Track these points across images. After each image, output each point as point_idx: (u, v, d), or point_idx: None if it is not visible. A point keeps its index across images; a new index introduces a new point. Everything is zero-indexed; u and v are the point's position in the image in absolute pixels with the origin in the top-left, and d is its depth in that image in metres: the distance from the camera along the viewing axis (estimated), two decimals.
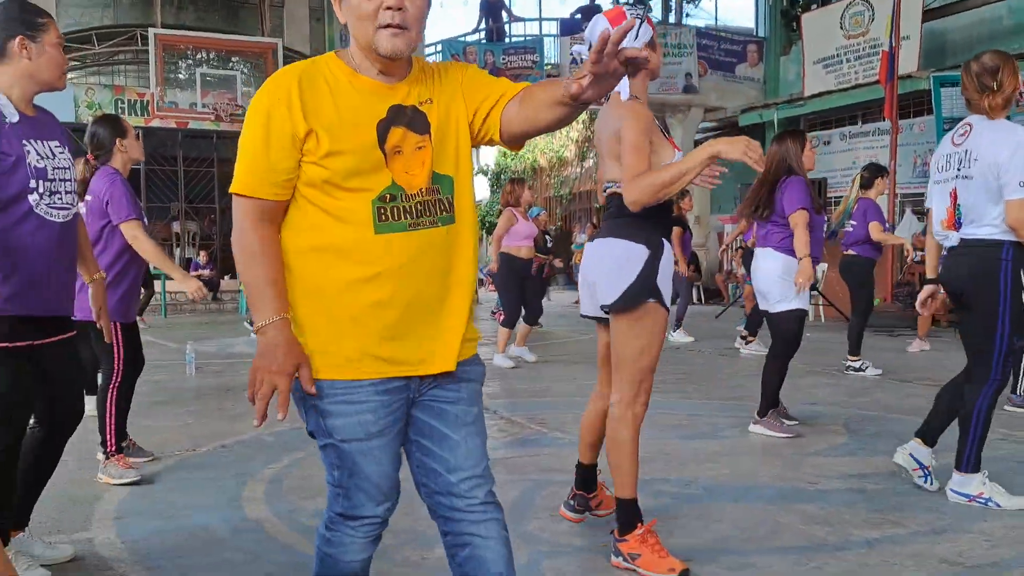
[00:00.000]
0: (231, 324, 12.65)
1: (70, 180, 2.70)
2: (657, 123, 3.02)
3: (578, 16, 18.42)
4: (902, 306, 10.82)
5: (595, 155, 23.87)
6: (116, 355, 4.06)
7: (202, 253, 15.81)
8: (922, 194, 14.46)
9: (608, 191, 3.05)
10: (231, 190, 1.86)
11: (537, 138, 26.95)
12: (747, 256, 9.00)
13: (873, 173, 7.44)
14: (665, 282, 2.93)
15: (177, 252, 16.61)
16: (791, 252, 4.96)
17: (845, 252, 7.45)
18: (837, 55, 14.72)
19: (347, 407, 1.85)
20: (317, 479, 4.02)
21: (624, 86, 2.94)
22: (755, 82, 18.15)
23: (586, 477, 3.38)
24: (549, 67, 17.31)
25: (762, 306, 5.17)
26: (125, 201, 3.96)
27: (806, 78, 15.40)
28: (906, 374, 7.27)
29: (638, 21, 2.91)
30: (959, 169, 3.55)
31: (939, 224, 3.68)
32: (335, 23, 16.64)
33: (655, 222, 2.97)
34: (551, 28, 18.42)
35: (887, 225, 7.64)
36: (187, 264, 16.15)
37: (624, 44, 2.71)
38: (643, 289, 2.89)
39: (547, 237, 11.46)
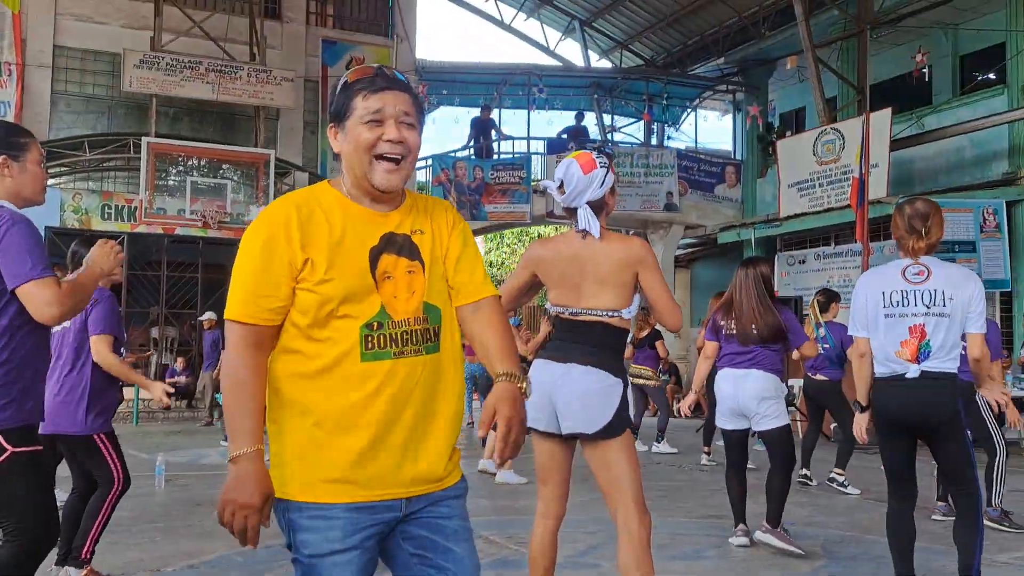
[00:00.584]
0: (204, 434, 12.45)
1: None
2: None
3: (564, 136, 19.08)
4: None
5: None
6: (112, 464, 4.06)
7: (179, 359, 15.69)
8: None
9: (594, 318, 3.20)
10: (226, 316, 1.92)
11: (523, 249, 27.37)
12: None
13: (829, 297, 7.71)
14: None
15: (154, 358, 16.50)
16: (776, 371, 5.15)
17: (815, 376, 7.60)
18: (810, 179, 15.22)
19: (318, 522, 1.90)
20: None
21: (594, 225, 3.20)
22: (733, 202, 18.69)
23: None
24: (535, 182, 17.79)
25: (743, 426, 5.27)
26: (102, 313, 4.02)
27: (781, 200, 15.86)
28: (880, 493, 7.27)
29: (604, 169, 3.21)
30: (929, 307, 3.69)
31: (891, 355, 3.76)
32: (329, 139, 17.08)
33: (621, 357, 3.31)
34: (538, 146, 19.05)
35: None
36: (163, 371, 16.02)
37: (591, 191, 3.12)
38: (624, 418, 3.16)
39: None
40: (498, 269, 28.48)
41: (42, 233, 2.82)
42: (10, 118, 15.19)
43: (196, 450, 10.46)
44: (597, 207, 3.23)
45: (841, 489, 7.32)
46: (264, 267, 1.91)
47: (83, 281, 2.81)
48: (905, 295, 3.76)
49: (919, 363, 3.70)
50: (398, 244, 2.00)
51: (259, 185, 15.54)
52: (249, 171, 15.71)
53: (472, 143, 18.02)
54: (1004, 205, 12.77)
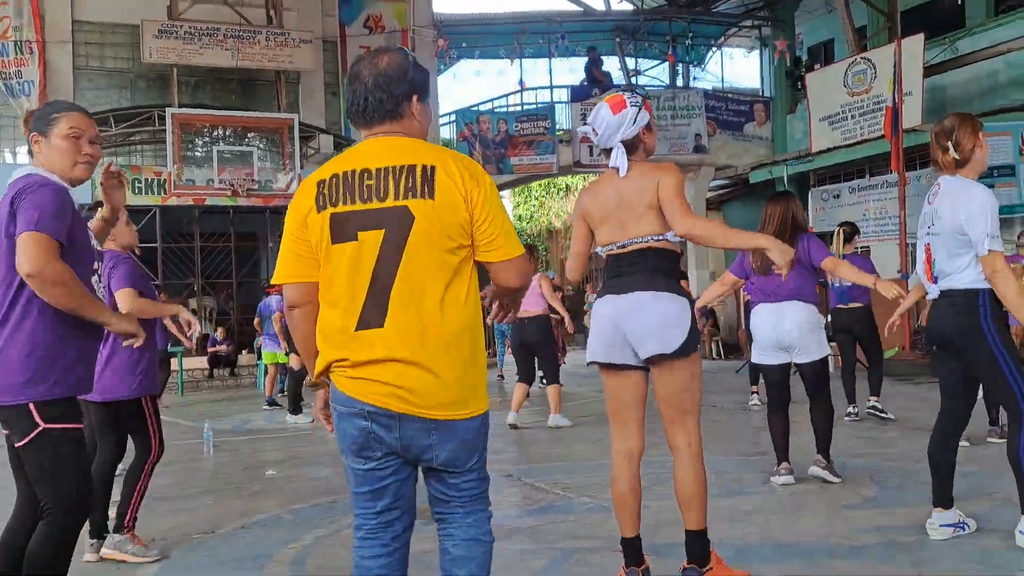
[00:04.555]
0: (248, 400, 12.63)
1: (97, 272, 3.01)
2: None
3: (587, 83, 18.77)
4: (922, 353, 10.77)
5: None
6: (152, 432, 4.08)
7: (219, 329, 15.88)
8: None
9: (643, 245, 3.24)
10: (522, 251, 2.33)
11: (551, 201, 27.19)
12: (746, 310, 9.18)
13: (853, 229, 7.62)
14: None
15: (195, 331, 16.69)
16: (816, 303, 5.08)
17: (849, 307, 7.54)
18: (842, 112, 14.89)
19: None
20: (340, 558, 3.97)
21: (622, 163, 3.23)
22: (763, 140, 18.36)
23: (638, 549, 3.32)
24: (561, 132, 17.58)
25: (784, 360, 5.18)
26: (123, 272, 4.03)
27: (813, 135, 15.55)
28: (927, 422, 7.18)
29: (636, 108, 3.23)
30: (930, 227, 3.76)
31: (922, 275, 3.89)
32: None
33: (679, 279, 3.32)
34: (562, 95, 18.77)
35: (901, 274, 7.80)
36: (204, 340, 16.22)
37: (622, 130, 3.08)
38: (695, 337, 3.24)
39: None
40: (526, 223, 28.31)
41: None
42: (34, 97, 15.28)
43: (241, 416, 10.60)
44: (631, 145, 3.25)
45: (882, 415, 7.32)
46: None
47: (93, 302, 2.73)
48: (924, 216, 3.83)
49: (935, 283, 3.76)
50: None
51: (285, 151, 15.52)
52: (274, 137, 15.68)
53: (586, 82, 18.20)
54: None
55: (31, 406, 2.60)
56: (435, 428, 2.18)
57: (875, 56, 14.33)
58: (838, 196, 15.62)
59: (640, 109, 3.24)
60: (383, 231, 2.16)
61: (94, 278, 2.92)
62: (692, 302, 3.29)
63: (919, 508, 4.18)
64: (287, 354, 9.85)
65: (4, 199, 2.67)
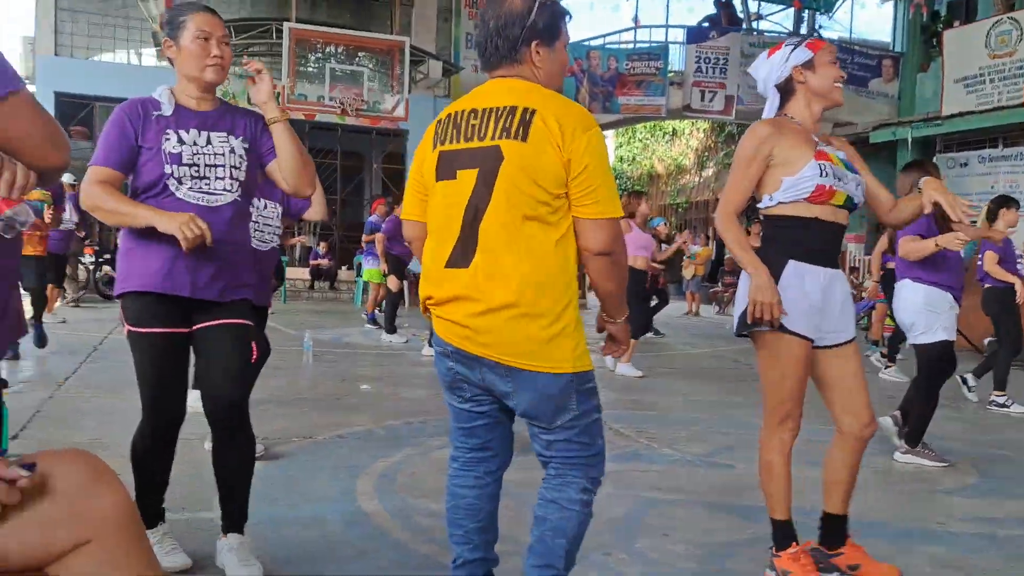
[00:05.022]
0: (346, 315, 12.94)
1: (224, 167, 2.71)
2: (800, 136, 2.88)
3: (705, 24, 18.16)
4: None
5: (715, 163, 23.52)
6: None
7: (322, 243, 16.24)
8: None
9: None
10: (618, 214, 2.17)
11: (656, 145, 26.65)
12: (886, 279, 8.68)
13: (998, 204, 7.00)
14: (786, 305, 2.78)
15: (298, 243, 17.15)
16: (931, 282, 4.77)
17: (983, 285, 7.12)
18: (980, 74, 14.02)
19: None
20: (428, 478, 4.05)
21: (770, 109, 2.98)
22: (889, 98, 17.49)
23: (835, 529, 3.10)
24: (672, 74, 17.09)
25: (907, 338, 4.99)
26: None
27: (944, 97, 14.72)
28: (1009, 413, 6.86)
29: (789, 48, 2.94)
30: None
31: None
32: (462, 24, 16.84)
33: (780, 241, 2.90)
34: (677, 35, 18.18)
35: (1020, 256, 7.24)
36: (307, 252, 16.61)
37: (773, 73, 2.79)
38: (746, 318, 2.84)
39: (663, 247, 11.27)
40: (628, 165, 27.84)
41: None
42: (161, 2, 15.58)
43: (340, 329, 10.87)
44: (783, 89, 2.95)
45: (1004, 410, 6.89)
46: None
47: (132, 210, 2.67)
48: None
49: None
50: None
51: (394, 74, 15.53)
52: (384, 59, 15.69)
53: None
54: None
55: None
56: (510, 376, 2.14)
57: (1023, 17, 13.39)
58: (966, 164, 14.81)
59: (797, 47, 2.92)
60: (477, 170, 2.14)
61: (222, 183, 2.73)
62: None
63: (1022, 501, 3.97)
64: (385, 275, 9.97)
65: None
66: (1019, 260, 7.22)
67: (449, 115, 2.25)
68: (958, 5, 17.97)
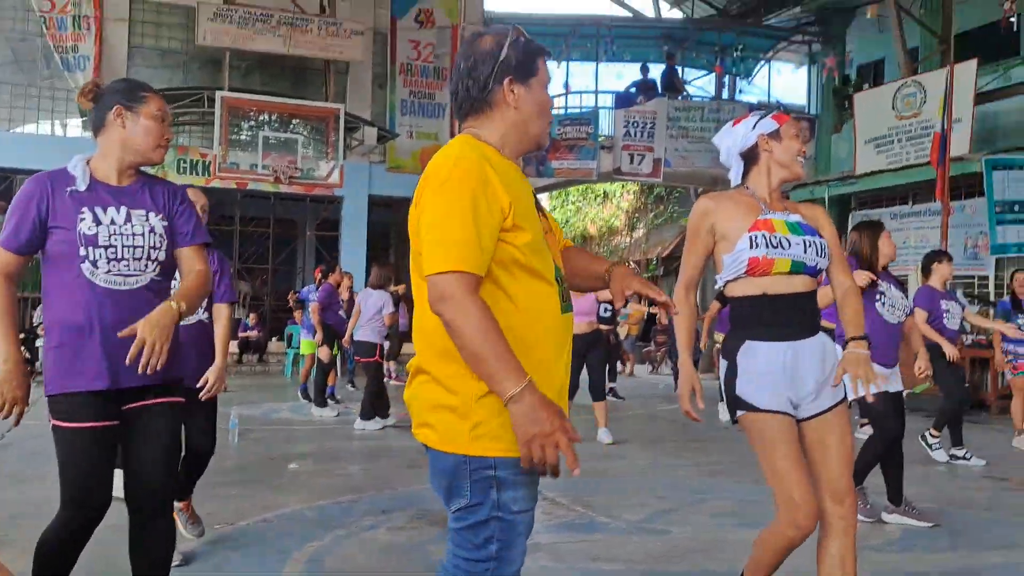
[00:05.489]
0: (276, 388, 12.70)
1: (143, 247, 2.66)
2: (742, 207, 2.91)
3: (632, 90, 18.74)
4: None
5: (645, 224, 24.04)
6: None
7: (252, 315, 16.05)
8: (974, 276, 14.33)
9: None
10: (449, 268, 1.82)
11: (588, 207, 27.15)
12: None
13: (929, 259, 7.27)
14: (751, 384, 2.78)
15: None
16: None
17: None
18: (889, 135, 14.73)
19: (525, 477, 1.91)
20: (359, 560, 4.05)
21: (735, 176, 3.00)
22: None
23: None
24: (603, 139, 17.57)
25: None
26: None
27: (857, 157, 15.39)
28: (968, 466, 7.10)
29: (755, 118, 2.98)
30: None
31: None
32: (397, 90, 17.07)
33: (737, 322, 2.92)
34: (606, 100, 18.75)
35: (942, 308, 7.51)
36: (236, 325, 16.43)
37: (740, 140, 2.93)
38: (730, 403, 2.86)
39: (605, 307, 11.55)
40: (563, 227, 28.32)
41: None
42: (89, 72, 15.54)
43: (268, 405, 10.63)
44: (748, 156, 2.96)
45: (927, 452, 7.19)
46: (483, 215, 1.86)
47: None
48: None
49: None
50: (538, 201, 2.09)
51: (329, 140, 15.67)
52: (319, 126, 15.83)
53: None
54: None
55: None
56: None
57: (926, 80, 14.16)
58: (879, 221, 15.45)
59: (763, 117, 2.95)
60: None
61: (139, 263, 2.70)
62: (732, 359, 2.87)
63: (947, 554, 4.15)
64: (320, 345, 9.91)
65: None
66: (964, 307, 7.48)
67: None
68: (867, 69, 18.92)
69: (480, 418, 1.88)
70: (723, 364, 2.90)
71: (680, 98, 19.08)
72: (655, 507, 5.24)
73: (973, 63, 13.25)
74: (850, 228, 5.22)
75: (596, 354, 7.90)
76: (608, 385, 11.50)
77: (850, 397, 2.98)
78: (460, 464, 1.90)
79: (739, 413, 2.83)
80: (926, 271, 7.17)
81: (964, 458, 7.16)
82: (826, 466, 2.79)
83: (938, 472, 6.86)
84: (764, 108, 18.38)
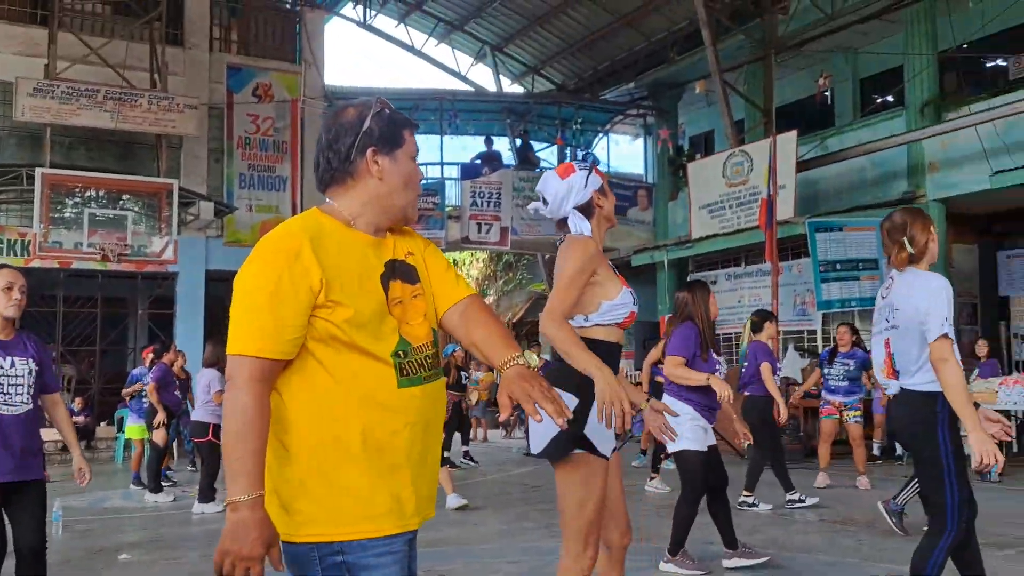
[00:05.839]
0: (105, 475, 11.78)
1: (23, 385, 3.84)
2: (608, 261, 3.13)
3: (478, 161, 19.03)
4: (790, 439, 11.04)
5: (495, 291, 24.24)
6: None
7: (77, 399, 14.96)
8: (803, 332, 15.10)
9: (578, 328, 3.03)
10: (237, 351, 1.79)
11: None
12: (657, 390, 9.13)
13: (762, 317, 7.71)
14: (599, 429, 2.80)
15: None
16: (685, 398, 5.03)
17: (743, 394, 7.63)
18: (720, 201, 15.47)
19: (386, 558, 1.83)
20: None
21: (585, 227, 3.07)
22: (646, 225, 18.90)
23: None
24: (450, 209, 17.68)
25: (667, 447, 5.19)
26: None
27: (693, 222, 16.08)
28: (797, 510, 7.35)
29: (585, 171, 3.10)
30: (887, 320, 3.66)
31: (880, 373, 3.79)
32: (235, 164, 16.63)
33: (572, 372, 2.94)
34: (452, 172, 18.94)
35: (777, 364, 7.89)
36: None
37: (574, 195, 2.93)
38: (570, 439, 2.85)
39: (462, 373, 11.45)
40: None
41: None
42: None
43: (97, 493, 9.80)
44: (584, 209, 3.09)
45: (753, 509, 7.37)
46: (286, 295, 1.81)
47: None
48: (880, 312, 3.76)
49: (898, 379, 3.64)
50: (400, 269, 1.99)
51: (162, 216, 15.02)
52: (151, 202, 15.17)
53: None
54: None
55: None
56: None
57: (752, 149, 15.02)
58: (715, 282, 16.11)
59: (590, 172, 3.11)
60: None
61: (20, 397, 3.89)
62: (586, 401, 2.84)
63: None
64: (151, 429, 9.36)
65: None
66: (777, 370, 7.86)
67: None
68: (698, 140, 20.00)
69: (316, 501, 1.85)
70: (572, 398, 2.83)
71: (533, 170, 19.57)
72: (507, 572, 5.09)
73: (793, 134, 14.19)
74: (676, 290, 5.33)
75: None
76: (463, 449, 11.56)
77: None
78: (307, 552, 1.84)
79: (576, 451, 2.85)
80: (757, 328, 7.55)
81: (800, 501, 7.40)
82: (619, 504, 3.12)
83: (773, 519, 7.01)
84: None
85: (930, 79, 13.51)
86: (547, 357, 10.17)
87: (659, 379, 8.80)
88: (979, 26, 12.61)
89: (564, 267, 2.98)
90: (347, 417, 1.85)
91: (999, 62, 13.79)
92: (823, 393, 8.93)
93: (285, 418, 1.88)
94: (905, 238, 3.62)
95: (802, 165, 14.39)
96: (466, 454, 11.82)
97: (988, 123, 11.90)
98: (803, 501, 7.44)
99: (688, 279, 16.14)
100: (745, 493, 7.44)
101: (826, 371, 8.77)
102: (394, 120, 2.02)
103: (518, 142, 20.96)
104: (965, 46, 13.02)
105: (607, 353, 2.94)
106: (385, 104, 2.03)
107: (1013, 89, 12.44)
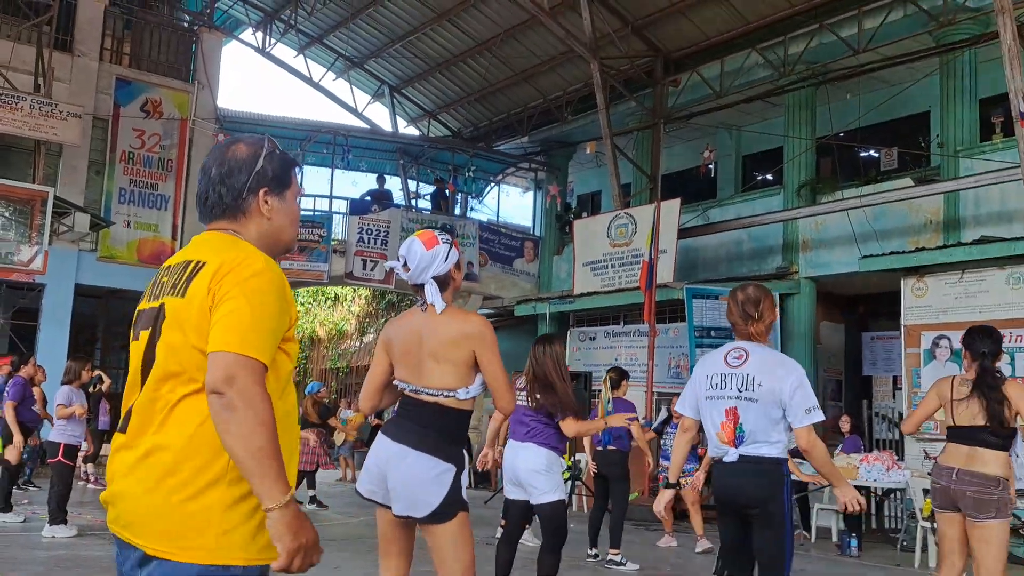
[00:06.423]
0: None
1: None
2: None
3: (368, 198, 18.97)
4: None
5: (376, 329, 24.02)
6: None
7: None
8: (675, 393, 15.54)
9: (430, 398, 3.22)
10: (248, 352, 1.81)
11: (317, 309, 26.73)
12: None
13: (619, 374, 7.99)
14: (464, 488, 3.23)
15: None
16: (552, 447, 5.18)
17: (603, 448, 7.80)
18: (603, 260, 15.91)
19: None
20: None
21: (438, 299, 3.27)
22: (530, 276, 19.23)
23: None
24: (335, 242, 17.54)
25: (522, 497, 5.27)
26: None
27: (576, 277, 16.45)
28: (657, 570, 7.54)
29: (447, 245, 3.32)
30: (740, 391, 3.79)
31: (715, 438, 3.87)
32: (115, 178, 16.06)
33: (459, 439, 3.28)
34: (340, 206, 18.83)
35: (645, 420, 8.19)
36: None
37: (434, 266, 3.17)
38: (455, 502, 3.17)
39: (326, 409, 11.32)
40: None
41: None
42: None
43: None
44: (442, 282, 3.32)
45: (620, 568, 7.46)
46: (280, 310, 1.93)
47: None
48: (723, 378, 3.85)
49: (736, 447, 3.77)
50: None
51: (34, 224, 14.33)
52: (23, 208, 14.46)
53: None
54: (777, 297, 13.80)
55: None
56: (140, 557, 1.89)
57: (637, 213, 15.55)
58: (594, 338, 16.50)
59: (451, 247, 3.34)
60: (149, 331, 1.98)
61: None
62: (462, 466, 3.23)
63: None
64: (5, 446, 8.88)
65: None
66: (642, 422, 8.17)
67: (159, 270, 2.11)
68: (586, 198, 20.57)
69: (230, 525, 1.82)
70: (451, 472, 3.18)
71: (413, 209, 19.62)
72: None
73: (677, 202, 14.79)
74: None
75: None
76: (309, 493, 11.23)
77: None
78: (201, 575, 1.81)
79: (461, 512, 3.18)
80: (616, 385, 7.84)
81: (621, 564, 7.55)
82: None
83: None
84: (490, 226, 19.31)
85: (807, 162, 14.37)
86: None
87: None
88: (855, 117, 13.55)
89: (490, 345, 3.28)
90: (291, 427, 2.05)
91: (872, 153, 14.80)
92: (661, 460, 9.37)
93: (210, 439, 1.88)
94: (757, 311, 3.85)
95: (684, 232, 15.00)
96: (312, 498, 11.52)
97: (858, 209, 12.75)
98: (623, 564, 7.53)
99: (568, 333, 16.48)
100: (611, 551, 7.56)
101: (663, 441, 9.17)
102: (284, 161, 2.12)
103: (411, 184, 21.07)
104: (841, 134, 13.91)
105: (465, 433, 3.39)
106: (275, 144, 2.13)
107: (882, 179, 13.40)
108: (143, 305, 2.06)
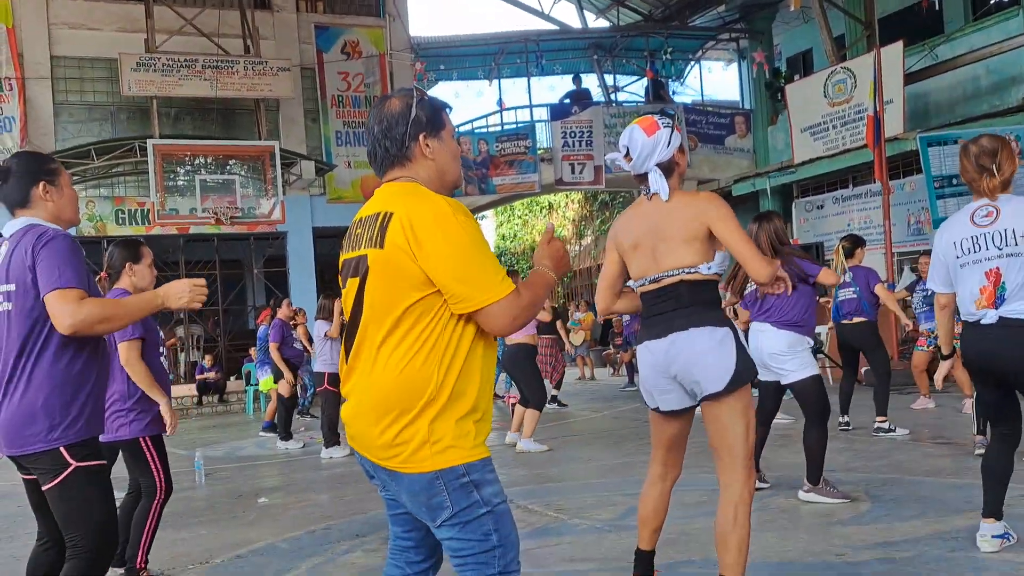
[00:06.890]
0: (238, 426, 12.52)
1: None
2: None
3: (567, 101, 18.84)
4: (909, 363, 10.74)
5: (592, 231, 24.17)
6: (156, 472, 4.01)
7: (207, 356, 15.79)
8: (918, 252, 14.53)
9: (675, 279, 3.08)
10: (502, 294, 2.08)
11: (534, 220, 27.21)
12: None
13: (854, 243, 7.50)
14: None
15: (183, 356, 16.62)
16: (792, 327, 4.98)
17: (849, 322, 7.44)
18: (823, 122, 14.96)
19: (492, 473, 2.16)
20: None
21: (663, 187, 3.12)
22: (745, 152, 18.44)
23: (648, 564, 3.35)
24: (542, 151, 17.61)
25: (771, 378, 5.14)
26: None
27: (795, 146, 15.61)
28: (918, 433, 7.20)
29: (669, 129, 3.14)
30: (1000, 248, 3.52)
31: (972, 304, 3.61)
32: (331, 122, 16.98)
33: (718, 306, 3.14)
34: (542, 113, 18.81)
35: (888, 284, 7.74)
36: (193, 367, 16.12)
37: (657, 152, 2.98)
38: (746, 369, 3.02)
39: (555, 313, 11.52)
40: (510, 242, 28.31)
41: None
42: (15, 133, 15.22)
43: (232, 443, 10.47)
44: (667, 168, 3.14)
45: (890, 435, 7.19)
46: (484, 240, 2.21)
47: (131, 303, 2.84)
48: (976, 240, 3.59)
49: (996, 308, 3.52)
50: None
51: (267, 177, 15.48)
52: (256, 165, 15.64)
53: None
54: None
55: (61, 449, 2.67)
56: (384, 472, 2.16)
57: (854, 65, 14.43)
58: (822, 207, 15.67)
59: (672, 130, 3.14)
60: (357, 279, 2.21)
61: None
62: (735, 328, 3.09)
63: (916, 522, 4.14)
64: (276, 381, 9.88)
65: (17, 249, 2.72)
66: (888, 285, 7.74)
67: (354, 221, 2.33)
68: (796, 60, 19.29)
69: (439, 435, 2.08)
70: (730, 335, 3.02)
71: (613, 104, 19.26)
72: (624, 505, 5.17)
73: (899, 45, 13.54)
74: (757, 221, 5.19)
75: (520, 367, 7.99)
76: (550, 393, 11.13)
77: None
78: (433, 481, 2.07)
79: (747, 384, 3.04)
80: (850, 254, 7.38)
81: (891, 430, 7.22)
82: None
83: (886, 443, 6.90)
84: (696, 108, 18.63)
85: None
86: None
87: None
88: None
89: (724, 217, 3.06)
90: (484, 359, 2.23)
91: None
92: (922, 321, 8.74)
93: (438, 369, 2.12)
94: (994, 165, 3.52)
95: (910, 77, 13.77)
96: (553, 398, 11.58)
97: None
98: (892, 431, 7.26)
99: (793, 205, 15.76)
100: (879, 420, 7.31)
101: (912, 298, 8.60)
102: (434, 105, 2.30)
103: (608, 78, 20.67)
104: None
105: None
106: (423, 92, 2.31)
107: None
108: (346, 255, 2.30)
